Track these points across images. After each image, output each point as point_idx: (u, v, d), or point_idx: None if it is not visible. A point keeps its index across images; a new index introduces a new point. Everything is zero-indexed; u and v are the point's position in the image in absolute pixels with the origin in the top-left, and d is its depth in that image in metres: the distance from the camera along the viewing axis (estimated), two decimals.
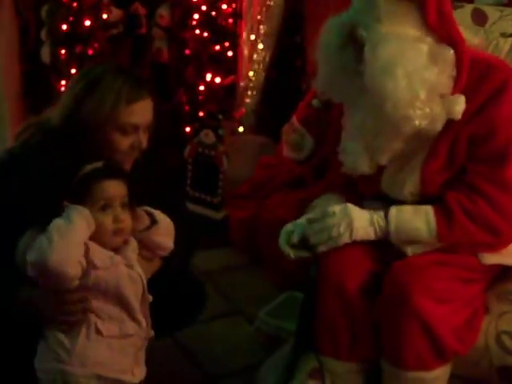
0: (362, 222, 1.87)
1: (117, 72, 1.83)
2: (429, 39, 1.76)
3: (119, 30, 3.94)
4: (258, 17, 3.92)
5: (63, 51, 3.40)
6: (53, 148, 1.78)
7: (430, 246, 1.86)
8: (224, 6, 3.75)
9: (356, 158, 1.88)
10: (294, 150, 3.46)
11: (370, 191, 2.02)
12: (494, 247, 1.88)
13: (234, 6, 3.80)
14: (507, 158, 1.80)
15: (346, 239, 1.86)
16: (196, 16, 3.70)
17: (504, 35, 2.40)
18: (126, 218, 1.66)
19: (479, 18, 2.52)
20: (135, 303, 1.66)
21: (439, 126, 1.78)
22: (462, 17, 2.51)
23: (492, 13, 2.52)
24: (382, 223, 1.87)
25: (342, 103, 1.96)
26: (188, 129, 3.88)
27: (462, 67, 1.78)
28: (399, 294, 1.76)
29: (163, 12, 4.02)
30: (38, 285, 1.61)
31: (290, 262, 1.96)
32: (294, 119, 3.53)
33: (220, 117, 3.65)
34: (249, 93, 4.08)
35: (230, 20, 3.82)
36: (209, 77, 3.75)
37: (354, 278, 1.86)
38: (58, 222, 1.56)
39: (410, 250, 1.87)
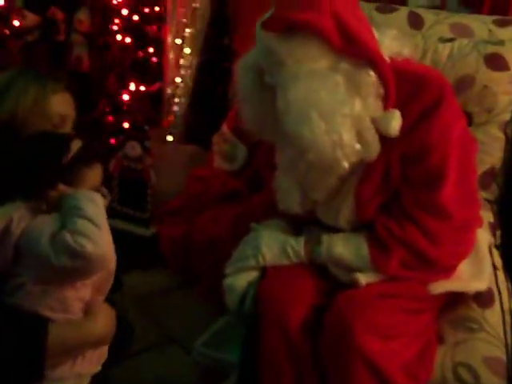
0: (271, 247, 1.81)
1: (29, 71, 1.77)
2: (343, 65, 1.57)
3: (34, 36, 3.69)
4: (184, 20, 3.74)
5: None
6: None
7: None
8: (147, 10, 3.54)
9: (288, 196, 1.76)
10: (226, 160, 3.30)
11: (306, 218, 1.88)
12: (431, 278, 1.74)
13: (157, 9, 3.60)
14: (440, 180, 1.65)
15: (252, 262, 1.83)
16: (117, 21, 3.48)
17: (442, 40, 2.29)
18: None
19: (415, 22, 2.41)
20: None
21: (375, 153, 1.63)
22: (397, 21, 2.41)
23: (428, 16, 2.42)
24: (299, 248, 1.79)
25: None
26: (112, 141, 3.66)
27: (388, 83, 1.61)
28: (341, 332, 1.61)
29: (82, 16, 3.80)
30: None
31: None
32: (225, 128, 3.36)
33: (146, 128, 3.45)
34: (177, 100, 3.90)
35: (154, 24, 3.61)
36: (133, 85, 3.53)
37: (297, 313, 1.71)
38: (91, 208, 1.49)
39: (362, 279, 1.72)
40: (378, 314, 1.63)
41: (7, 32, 3.20)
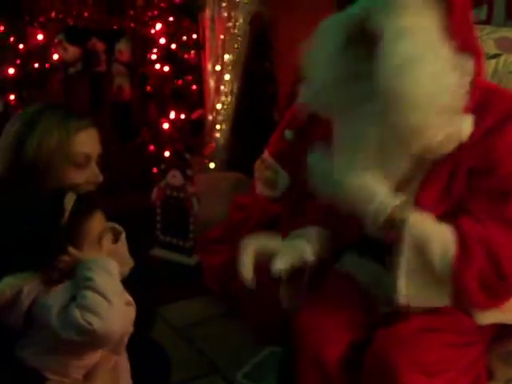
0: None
1: (53, 108, 1.72)
2: (448, 44, 1.55)
3: (77, 68, 3.74)
4: (222, 46, 3.72)
5: (12, 97, 3.15)
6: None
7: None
8: (184, 38, 3.53)
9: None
10: (268, 187, 3.25)
11: (347, 238, 1.77)
12: (500, 296, 1.61)
13: (194, 36, 3.59)
14: (510, 194, 1.58)
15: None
16: (155, 50, 3.47)
17: (486, 56, 2.20)
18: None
19: None
20: None
21: (451, 146, 1.58)
22: None
23: None
24: (389, 201, 1.59)
25: (328, 121, 1.71)
26: (155, 170, 3.65)
27: (475, 84, 1.58)
28: (384, 370, 1.52)
29: (122, 47, 3.84)
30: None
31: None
32: (266, 154, 3.31)
33: (187, 156, 3.42)
34: (218, 126, 3.87)
35: (192, 52, 3.60)
36: (173, 113, 3.52)
37: (335, 349, 1.62)
38: (104, 279, 1.41)
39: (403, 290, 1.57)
40: (422, 351, 1.53)
41: (47, 66, 3.21)
